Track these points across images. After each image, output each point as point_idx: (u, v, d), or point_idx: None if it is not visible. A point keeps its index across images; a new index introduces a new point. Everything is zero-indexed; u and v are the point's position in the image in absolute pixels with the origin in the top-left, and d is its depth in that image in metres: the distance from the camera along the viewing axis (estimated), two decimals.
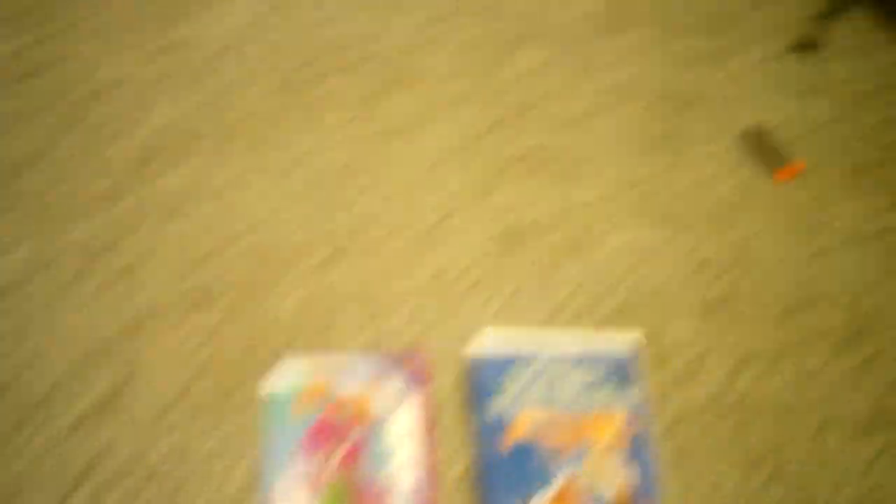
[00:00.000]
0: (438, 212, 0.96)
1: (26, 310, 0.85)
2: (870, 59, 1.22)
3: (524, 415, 0.78)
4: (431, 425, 0.78)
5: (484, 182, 1.00)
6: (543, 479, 0.75)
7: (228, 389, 0.81)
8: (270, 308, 0.86)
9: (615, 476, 0.76)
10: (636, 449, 0.78)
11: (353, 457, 0.74)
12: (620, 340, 0.85)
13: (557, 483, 0.75)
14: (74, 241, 0.91)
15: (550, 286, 0.92)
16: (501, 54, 1.12)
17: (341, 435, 0.75)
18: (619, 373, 0.82)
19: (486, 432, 0.77)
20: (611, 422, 0.79)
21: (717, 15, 1.23)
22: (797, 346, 0.91)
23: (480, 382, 0.80)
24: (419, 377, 0.79)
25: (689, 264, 0.96)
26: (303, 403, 0.77)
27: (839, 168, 1.08)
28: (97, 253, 0.90)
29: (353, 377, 0.79)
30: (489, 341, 0.83)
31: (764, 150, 1.07)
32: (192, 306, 0.86)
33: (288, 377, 0.78)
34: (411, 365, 0.80)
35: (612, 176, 1.03)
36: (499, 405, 0.78)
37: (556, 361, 0.82)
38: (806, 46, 1.21)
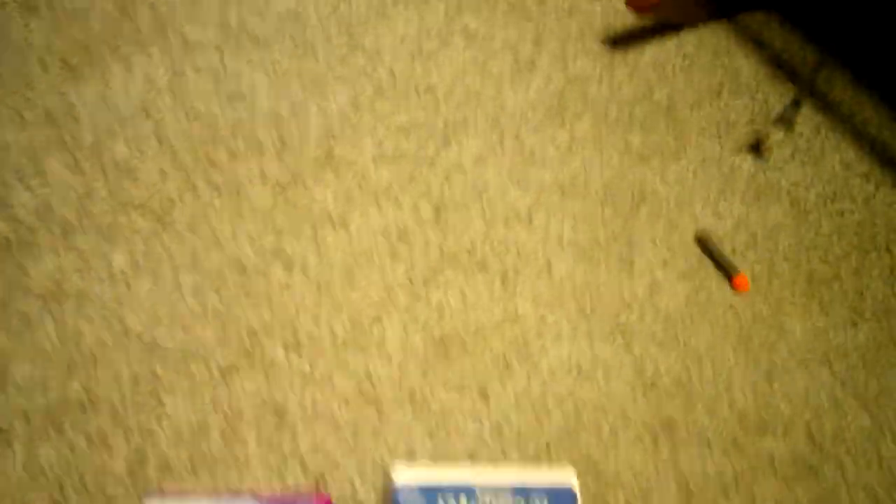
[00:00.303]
0: (367, 313, 0.86)
1: None
2: (820, 165, 1.20)
3: None
4: None
5: (420, 280, 0.91)
6: None
7: None
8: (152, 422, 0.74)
9: None
10: None
11: None
12: (558, 478, 0.75)
13: None
14: None
15: (484, 405, 0.82)
16: (438, 141, 1.05)
17: None
18: None
19: None
20: None
21: (661, 112, 1.19)
22: (747, 479, 0.83)
23: None
24: None
25: (637, 384, 0.88)
26: None
27: (793, 280, 1.04)
28: None
29: None
30: (415, 472, 0.72)
31: (716, 256, 1.02)
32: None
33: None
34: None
35: (556, 281, 0.95)
36: None
37: (490, 496, 0.72)
38: (756, 149, 1.18)
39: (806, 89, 1.30)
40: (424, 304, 0.89)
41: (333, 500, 0.71)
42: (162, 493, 0.67)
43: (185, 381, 0.75)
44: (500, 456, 0.79)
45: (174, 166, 0.92)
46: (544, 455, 0.80)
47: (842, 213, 1.15)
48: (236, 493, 0.69)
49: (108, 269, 0.82)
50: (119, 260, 0.83)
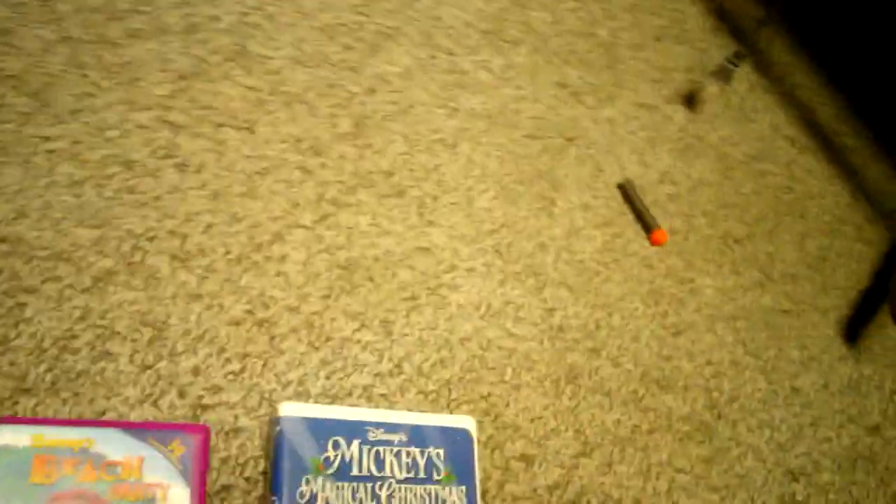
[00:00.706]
0: (267, 228, 0.79)
1: None
2: (749, 124, 1.18)
3: None
4: None
5: (329, 199, 0.84)
6: None
7: None
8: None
9: None
10: None
11: None
12: (455, 423, 0.72)
13: None
14: None
15: (385, 339, 0.78)
16: (365, 49, 0.96)
17: None
18: (454, 463, 0.69)
19: None
20: None
21: (602, 49, 1.14)
22: (646, 435, 0.83)
23: (290, 456, 0.64)
24: (198, 456, 0.62)
25: (544, 328, 0.85)
26: (43, 468, 0.57)
27: (708, 236, 1.03)
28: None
29: (112, 443, 0.59)
30: (303, 406, 0.67)
31: (637, 207, 0.99)
32: None
33: (21, 430, 0.58)
34: (191, 440, 0.62)
35: (474, 214, 0.90)
36: (312, 486, 0.63)
37: (384, 441, 0.68)
38: (689, 101, 1.15)
39: (747, 46, 1.27)
40: (332, 225, 0.82)
41: (212, 432, 0.66)
42: (14, 417, 0.59)
43: (51, 285, 0.67)
44: (398, 393, 0.75)
45: (60, 37, 0.80)
46: (444, 395, 0.76)
47: (764, 175, 1.14)
48: (101, 418, 0.62)
49: None
50: None
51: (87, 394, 0.63)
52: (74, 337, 0.65)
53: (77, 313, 0.66)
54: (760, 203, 1.10)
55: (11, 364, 0.62)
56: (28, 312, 0.64)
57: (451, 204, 0.90)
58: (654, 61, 1.18)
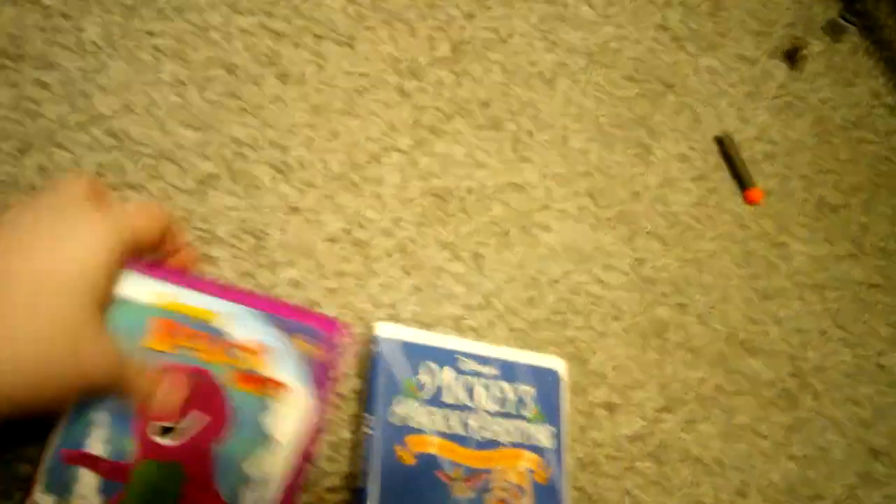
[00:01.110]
0: (364, 148, 0.76)
1: None
2: (850, 88, 1.13)
3: (430, 428, 0.62)
4: (324, 414, 0.58)
5: (427, 124, 0.81)
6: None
7: None
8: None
9: None
10: (546, 494, 0.65)
11: (215, 430, 0.54)
12: (544, 362, 0.70)
13: None
14: None
15: (476, 272, 0.76)
16: None
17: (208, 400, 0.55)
18: (543, 402, 0.68)
19: (386, 435, 0.61)
20: (523, 457, 0.65)
21: None
22: (730, 396, 0.81)
23: (385, 377, 0.63)
24: (330, 360, 0.59)
25: (634, 279, 0.83)
26: (161, 333, 0.53)
27: (802, 200, 0.99)
28: None
29: (241, 323, 0.56)
30: (399, 329, 0.66)
31: (734, 163, 0.96)
32: None
33: (147, 285, 0.53)
34: (326, 338, 0.59)
35: (569, 154, 0.87)
36: (404, 408, 0.62)
37: (476, 372, 0.67)
38: (791, 57, 1.10)
39: (854, 5, 1.21)
40: (428, 152, 0.80)
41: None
42: (145, 264, 0.55)
43: (155, 183, 0.65)
44: (487, 327, 0.74)
45: None
46: (532, 334, 0.75)
47: (862, 142, 1.09)
48: (234, 291, 0.59)
49: (76, 38, 0.69)
50: (91, 31, 0.70)
51: None
52: None
53: (180, 214, 0.65)
54: (857, 172, 1.06)
55: None
56: None
57: (546, 142, 0.87)
58: (758, 13, 1.12)
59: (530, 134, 0.86)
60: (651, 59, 0.99)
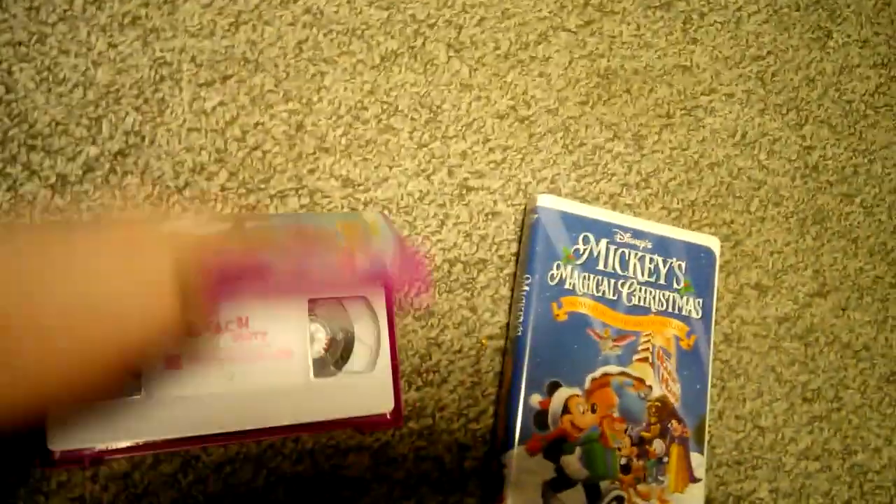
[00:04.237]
0: (533, 28, 0.80)
1: None
2: None
3: (583, 291, 0.68)
4: None
5: (595, 4, 0.82)
6: (587, 363, 0.67)
7: None
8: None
9: (661, 382, 0.68)
10: (690, 359, 0.69)
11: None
12: (700, 240, 0.73)
13: (600, 372, 0.67)
14: None
15: (636, 152, 0.79)
16: None
17: None
18: (694, 276, 0.72)
19: (542, 294, 0.67)
20: (671, 325, 0.70)
21: None
22: (888, 287, 0.81)
23: (544, 242, 0.69)
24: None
25: (799, 165, 0.83)
26: None
27: None
28: None
29: None
30: (559, 200, 0.71)
31: None
32: None
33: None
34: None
35: (741, 36, 0.86)
36: (561, 271, 0.68)
37: (630, 245, 0.71)
38: None
39: None
40: (595, 31, 0.81)
41: (474, 213, 0.71)
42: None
43: (346, 58, 0.73)
44: (643, 205, 0.77)
45: None
46: (688, 215, 0.78)
47: None
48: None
49: None
50: None
51: (373, 160, 0.70)
52: (364, 108, 0.71)
53: (367, 87, 0.72)
54: None
55: (314, 125, 0.69)
56: (327, 81, 0.71)
57: (718, 23, 0.86)
58: None
59: (702, 15, 0.85)
60: None
